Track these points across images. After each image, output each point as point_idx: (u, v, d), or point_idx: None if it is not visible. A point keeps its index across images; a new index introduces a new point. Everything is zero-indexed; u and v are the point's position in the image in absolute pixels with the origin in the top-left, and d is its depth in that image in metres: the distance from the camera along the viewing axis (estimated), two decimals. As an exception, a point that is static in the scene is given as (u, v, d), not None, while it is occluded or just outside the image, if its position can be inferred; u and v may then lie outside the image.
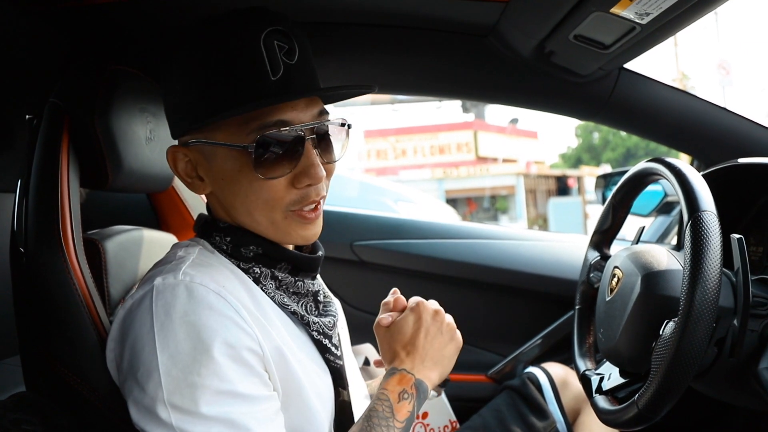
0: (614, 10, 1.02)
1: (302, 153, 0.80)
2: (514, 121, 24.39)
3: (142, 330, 0.74)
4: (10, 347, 1.03)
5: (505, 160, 20.73)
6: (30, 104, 1.01)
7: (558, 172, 23.01)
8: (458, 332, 0.95)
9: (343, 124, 0.87)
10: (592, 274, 1.19)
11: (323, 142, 0.83)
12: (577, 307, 1.23)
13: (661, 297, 0.90)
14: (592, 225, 1.20)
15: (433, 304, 0.95)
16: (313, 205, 0.83)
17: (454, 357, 0.94)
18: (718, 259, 0.79)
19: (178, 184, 1.43)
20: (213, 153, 0.81)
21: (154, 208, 1.44)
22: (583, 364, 1.10)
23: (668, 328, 0.83)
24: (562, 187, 20.66)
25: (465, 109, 22.18)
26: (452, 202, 17.91)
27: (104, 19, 1.11)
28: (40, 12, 1.04)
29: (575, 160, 32.41)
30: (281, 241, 0.85)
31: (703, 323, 0.77)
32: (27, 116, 0.97)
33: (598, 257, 1.19)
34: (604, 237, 1.21)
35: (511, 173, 19.04)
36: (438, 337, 0.91)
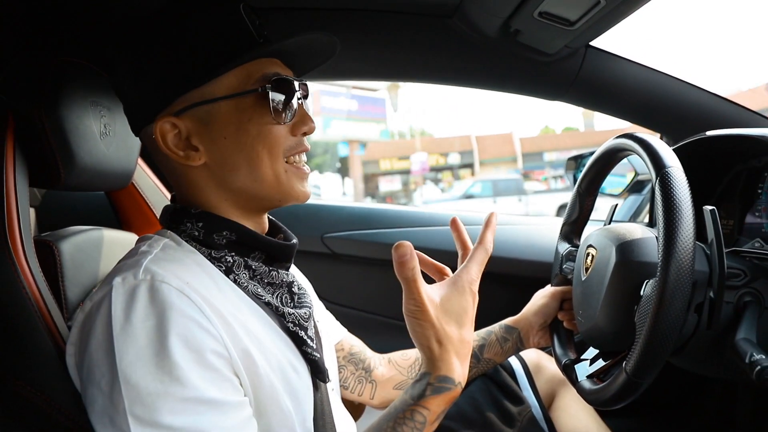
0: (578, -17, 1.01)
1: (298, 103, 0.83)
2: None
3: (102, 336, 0.68)
4: None
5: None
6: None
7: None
8: None
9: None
10: (565, 265, 1.17)
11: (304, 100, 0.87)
12: None
13: (638, 263, 0.89)
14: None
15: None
16: (305, 159, 0.86)
17: None
18: (689, 202, 0.78)
19: (139, 180, 1.37)
20: (213, 112, 0.79)
21: (114, 208, 1.38)
22: (564, 355, 1.09)
23: (648, 286, 0.81)
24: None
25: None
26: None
27: (49, 9, 1.05)
28: None
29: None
30: (284, 197, 0.84)
31: (685, 263, 0.75)
32: None
33: (569, 248, 1.17)
34: (573, 227, 1.19)
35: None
36: None
